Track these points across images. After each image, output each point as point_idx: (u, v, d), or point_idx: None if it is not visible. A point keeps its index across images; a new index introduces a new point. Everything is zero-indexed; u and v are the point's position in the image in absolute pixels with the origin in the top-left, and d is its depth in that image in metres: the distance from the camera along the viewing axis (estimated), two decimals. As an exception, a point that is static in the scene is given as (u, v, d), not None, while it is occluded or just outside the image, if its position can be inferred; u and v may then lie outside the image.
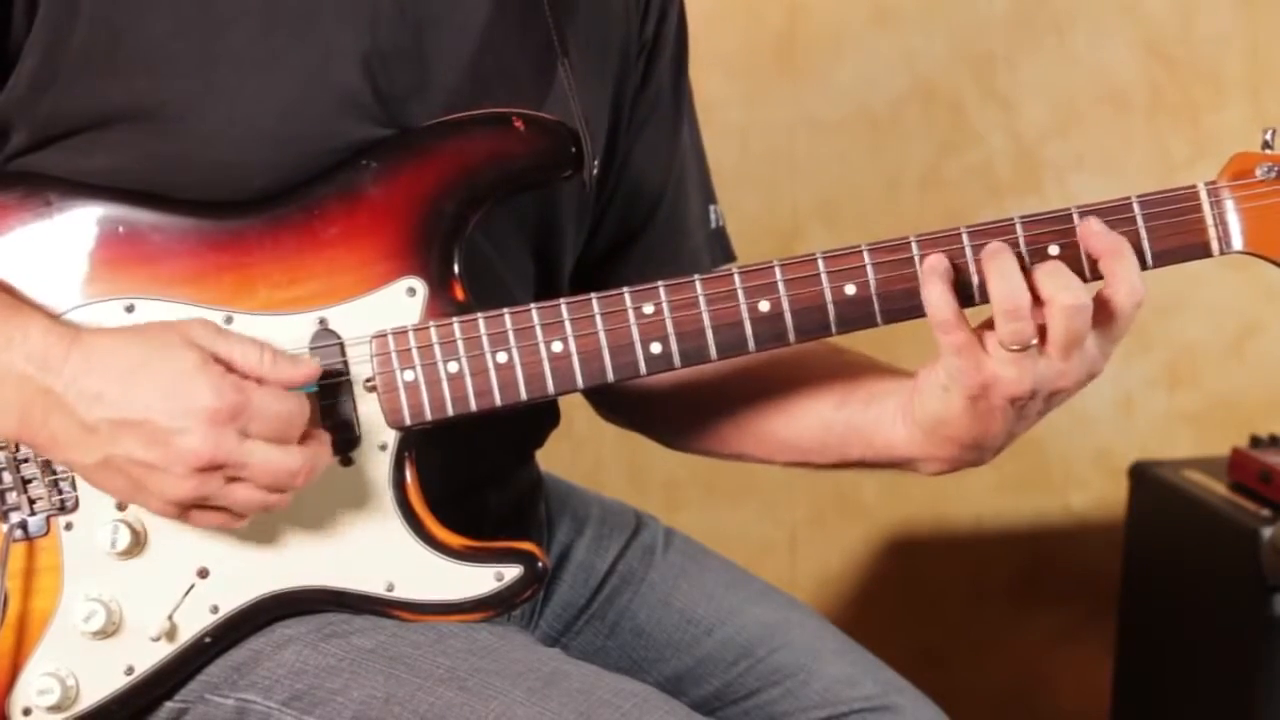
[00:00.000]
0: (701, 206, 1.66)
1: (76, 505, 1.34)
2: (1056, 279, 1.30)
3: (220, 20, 1.33)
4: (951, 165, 2.75)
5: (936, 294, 1.32)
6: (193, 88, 1.32)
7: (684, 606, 1.60)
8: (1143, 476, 2.57)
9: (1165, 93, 2.78)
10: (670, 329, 1.35)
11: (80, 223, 1.33)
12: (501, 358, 1.34)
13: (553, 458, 1.66)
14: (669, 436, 1.65)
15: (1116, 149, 2.78)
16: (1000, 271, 1.31)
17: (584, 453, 2.50)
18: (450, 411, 1.34)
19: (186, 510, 1.28)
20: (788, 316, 1.36)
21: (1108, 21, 2.75)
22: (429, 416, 1.34)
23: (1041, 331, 1.31)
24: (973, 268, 1.34)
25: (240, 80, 1.33)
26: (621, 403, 1.65)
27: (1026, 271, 1.31)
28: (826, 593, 2.83)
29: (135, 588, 1.34)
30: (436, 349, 1.34)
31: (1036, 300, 1.31)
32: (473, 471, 1.50)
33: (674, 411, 1.60)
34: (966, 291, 1.34)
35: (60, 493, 1.34)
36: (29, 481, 1.34)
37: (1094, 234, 1.33)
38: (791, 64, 2.66)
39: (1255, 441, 2.46)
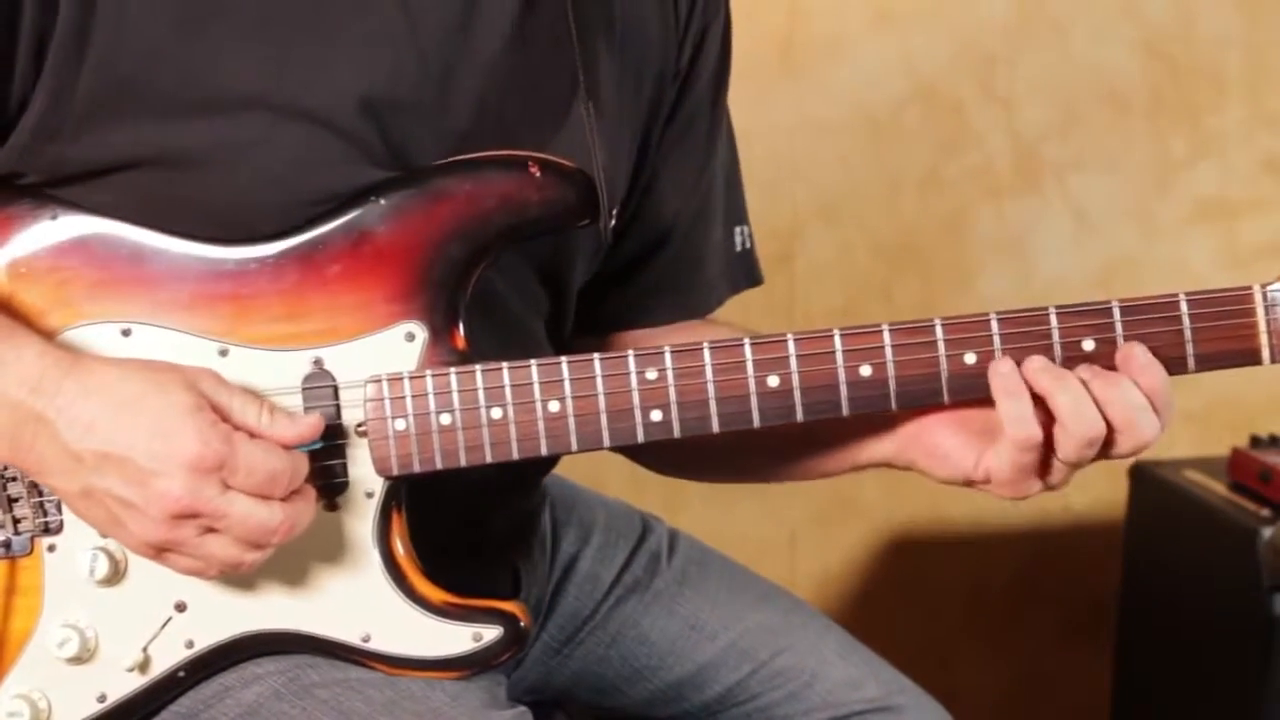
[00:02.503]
0: (725, 232, 1.61)
1: (61, 528, 1.32)
2: (1134, 408, 1.28)
3: (229, 69, 1.30)
4: (951, 165, 2.75)
5: (1021, 409, 1.28)
6: (200, 135, 1.29)
7: (688, 613, 1.59)
8: (1143, 476, 2.57)
9: (1165, 93, 2.78)
10: (673, 397, 1.31)
11: (84, 241, 1.31)
12: (496, 413, 1.30)
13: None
14: (650, 463, 1.62)
15: (1116, 149, 2.79)
16: (1078, 401, 1.27)
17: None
18: (439, 464, 1.31)
19: (161, 552, 1.26)
20: (797, 394, 1.31)
21: (1108, 21, 2.75)
22: (417, 468, 1.31)
23: None
24: (999, 355, 1.30)
25: (248, 127, 1.30)
26: None
27: (1065, 364, 1.29)
28: (826, 593, 2.83)
29: (112, 616, 1.32)
30: (431, 399, 1.30)
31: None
32: (476, 501, 1.47)
33: (662, 450, 1.53)
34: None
35: (45, 514, 1.32)
36: (15, 500, 1.32)
37: (1141, 367, 1.29)
38: (791, 65, 2.66)
39: (1255, 441, 2.46)
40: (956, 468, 1.36)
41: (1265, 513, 2.32)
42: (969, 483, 1.36)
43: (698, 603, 1.60)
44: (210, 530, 1.24)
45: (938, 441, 1.37)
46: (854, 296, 2.73)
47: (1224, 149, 2.82)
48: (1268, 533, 2.28)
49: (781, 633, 1.58)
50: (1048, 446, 1.29)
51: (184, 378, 1.25)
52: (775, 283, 2.69)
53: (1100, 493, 2.82)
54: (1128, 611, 2.66)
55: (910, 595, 2.87)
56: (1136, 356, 1.29)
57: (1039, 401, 1.29)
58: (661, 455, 1.57)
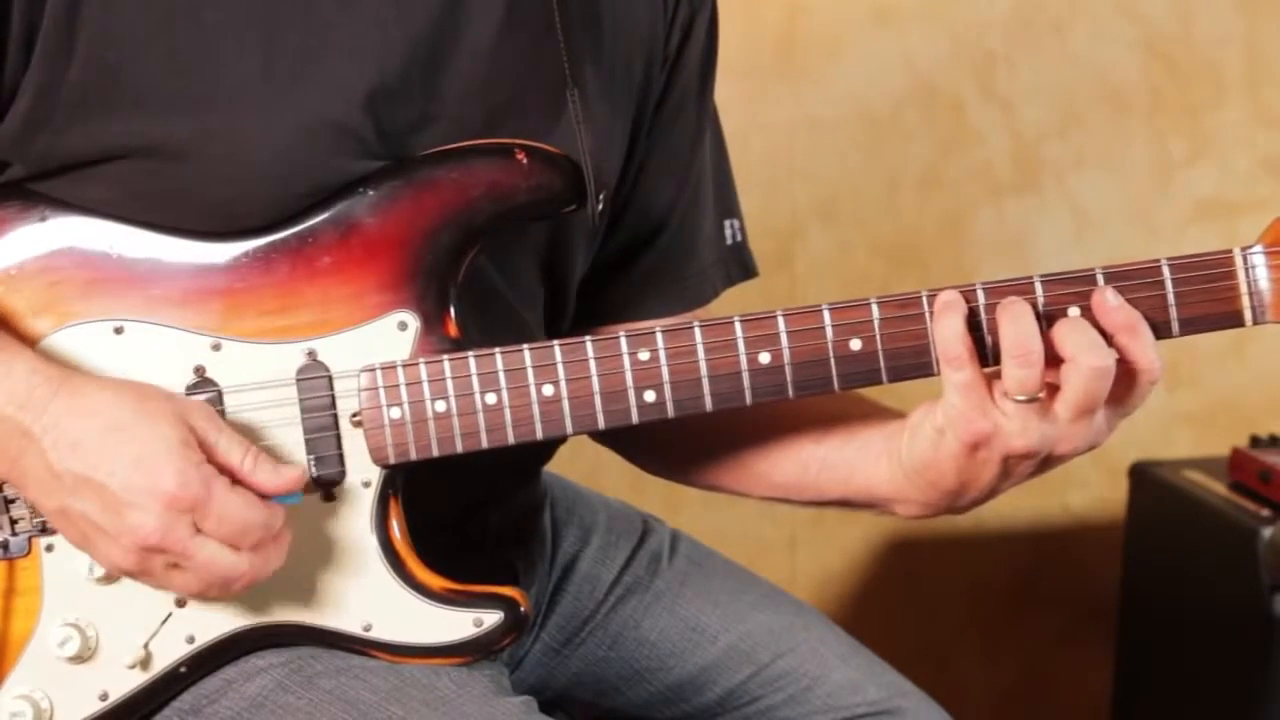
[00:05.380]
0: (716, 224, 1.61)
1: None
2: (1081, 336, 1.26)
3: (219, 59, 1.30)
4: (951, 165, 2.75)
5: (950, 327, 1.28)
6: (189, 127, 1.29)
7: (689, 614, 1.59)
8: (1143, 476, 2.57)
9: (1165, 93, 2.78)
10: (666, 377, 1.32)
11: (74, 240, 1.31)
12: (490, 399, 1.31)
13: (553, 458, 1.65)
14: (639, 459, 1.63)
15: (1116, 149, 2.79)
16: (1013, 317, 1.27)
17: (584, 453, 2.49)
18: (435, 451, 1.31)
19: (131, 572, 1.26)
20: (788, 370, 1.31)
21: (1108, 21, 2.75)
22: (413, 456, 1.31)
23: (1052, 390, 1.27)
24: (986, 326, 1.30)
25: (238, 119, 1.30)
26: None
27: (1046, 328, 1.27)
28: (826, 593, 2.83)
29: (113, 614, 1.32)
30: (425, 386, 1.31)
31: (1054, 357, 1.26)
32: (475, 493, 1.48)
33: (643, 436, 1.52)
34: (980, 349, 1.29)
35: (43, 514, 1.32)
36: (11, 501, 1.32)
37: (1110, 308, 1.28)
38: (791, 64, 2.66)
39: (1255, 441, 2.46)
40: (924, 430, 1.33)
41: (1265, 513, 2.32)
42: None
43: (699, 604, 1.60)
44: (175, 566, 1.24)
45: (913, 415, 1.35)
46: (853, 296, 2.72)
47: (1224, 149, 2.82)
48: (1268, 533, 2.28)
49: (783, 635, 1.57)
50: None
51: (175, 409, 1.25)
52: (775, 282, 2.69)
53: (1100, 493, 2.82)
54: (1128, 611, 2.66)
55: (910, 595, 2.86)
56: (1107, 300, 1.28)
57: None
58: (665, 455, 1.58)
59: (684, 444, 1.54)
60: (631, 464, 1.64)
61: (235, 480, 1.25)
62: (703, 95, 1.59)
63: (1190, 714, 2.51)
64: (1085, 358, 1.26)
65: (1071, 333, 1.27)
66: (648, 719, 1.60)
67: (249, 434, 1.30)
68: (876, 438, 1.41)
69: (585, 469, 1.80)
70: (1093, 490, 2.84)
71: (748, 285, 1.68)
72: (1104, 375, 1.26)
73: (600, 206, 1.46)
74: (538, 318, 1.49)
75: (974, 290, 1.31)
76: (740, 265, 1.64)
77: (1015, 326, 1.26)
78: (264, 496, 1.26)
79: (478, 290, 1.38)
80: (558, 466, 1.65)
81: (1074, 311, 1.29)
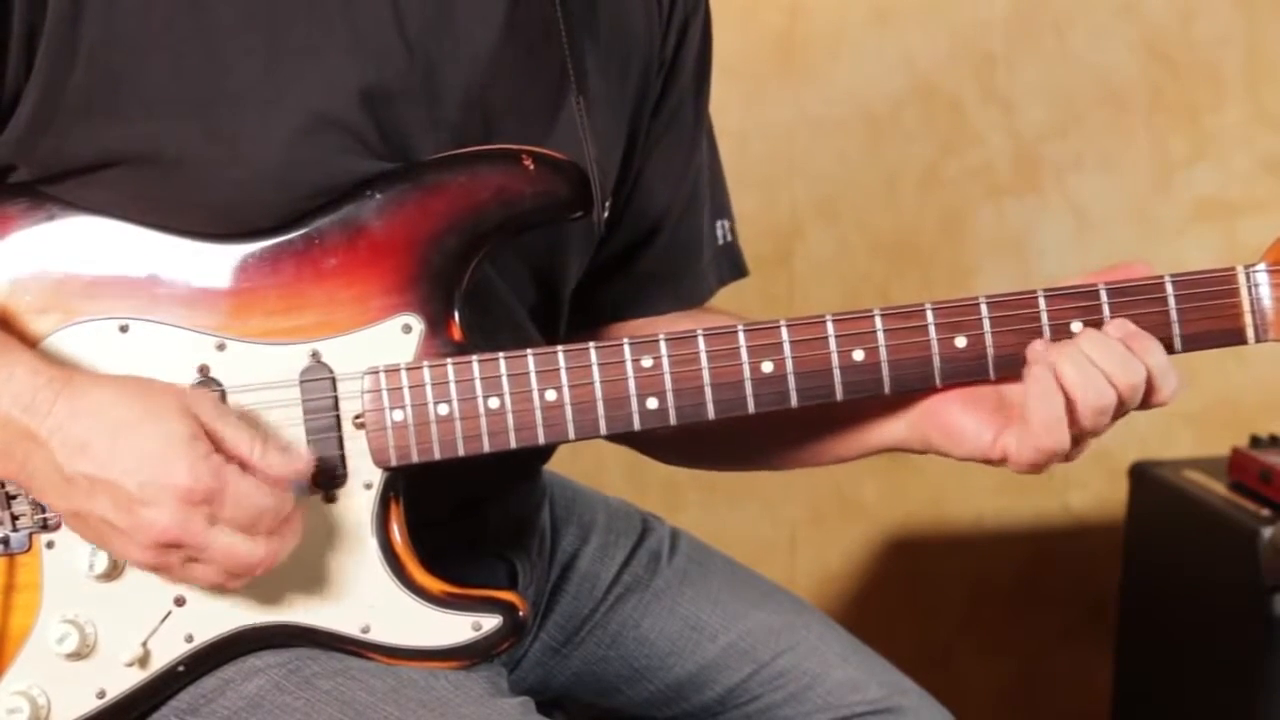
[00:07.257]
0: (711, 224, 1.63)
1: (59, 525, 1.31)
2: (1141, 378, 1.30)
3: (221, 62, 1.30)
4: (951, 165, 2.75)
5: (1053, 401, 1.30)
6: (192, 130, 1.29)
7: (689, 613, 1.59)
8: (1143, 476, 2.57)
9: (1165, 93, 2.78)
10: (668, 384, 1.32)
11: (80, 239, 1.31)
12: (493, 403, 1.32)
13: (553, 458, 1.66)
14: (654, 453, 1.63)
15: (1116, 149, 2.79)
16: (1081, 371, 1.30)
17: (584, 452, 2.48)
18: (437, 455, 1.32)
19: (149, 568, 1.27)
20: (791, 379, 1.33)
21: (1108, 21, 2.75)
22: (415, 458, 1.32)
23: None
24: (989, 339, 1.33)
25: (241, 121, 1.30)
26: None
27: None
28: (826, 592, 2.83)
29: (112, 612, 1.32)
30: (428, 389, 1.31)
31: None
32: (474, 491, 1.48)
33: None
34: (981, 364, 1.33)
35: (44, 511, 1.32)
36: (13, 498, 1.32)
37: (1129, 339, 1.31)
38: (791, 64, 2.66)
39: (1255, 441, 2.46)
40: (974, 446, 1.37)
41: (1265, 513, 2.32)
42: (986, 460, 1.37)
43: (699, 602, 1.60)
44: (194, 559, 1.24)
45: (952, 420, 1.38)
46: (853, 295, 2.73)
47: (1224, 149, 2.82)
48: (1268, 533, 2.28)
49: (783, 633, 1.58)
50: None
51: (180, 403, 1.25)
52: (774, 281, 2.70)
53: (1100, 493, 2.82)
54: (1128, 611, 2.66)
55: (910, 595, 2.87)
56: (1119, 329, 1.31)
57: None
58: (675, 445, 1.58)
59: (699, 438, 1.54)
60: (649, 457, 1.64)
61: (244, 467, 1.25)
62: (698, 97, 1.60)
63: (1190, 714, 2.51)
64: (1152, 396, 1.31)
65: (1122, 364, 1.29)
66: (648, 718, 1.60)
67: None
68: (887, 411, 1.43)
69: (585, 468, 1.81)
70: (1093, 490, 2.84)
71: (747, 283, 1.68)
72: (1104, 412, 1.30)
73: (606, 214, 1.47)
74: (535, 324, 1.49)
75: (977, 304, 1.33)
76: (732, 264, 1.66)
77: (1089, 383, 1.29)
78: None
79: (480, 295, 1.38)
80: (558, 465, 1.65)
81: (1076, 327, 1.31)
